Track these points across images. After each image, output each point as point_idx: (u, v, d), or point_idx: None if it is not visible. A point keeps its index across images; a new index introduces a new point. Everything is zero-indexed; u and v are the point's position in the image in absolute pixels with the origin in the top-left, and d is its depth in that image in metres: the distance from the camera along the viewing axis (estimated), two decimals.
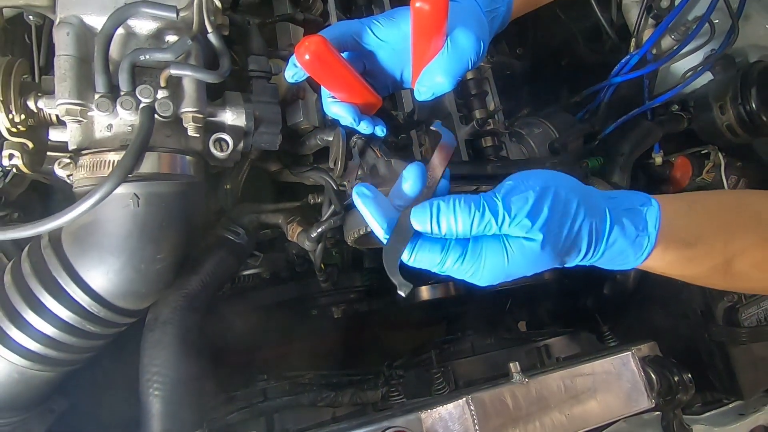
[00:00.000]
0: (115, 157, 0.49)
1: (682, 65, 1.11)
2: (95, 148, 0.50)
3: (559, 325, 1.32)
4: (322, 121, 0.78)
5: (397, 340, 1.69)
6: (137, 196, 0.49)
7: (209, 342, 1.04)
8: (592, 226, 0.47)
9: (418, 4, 0.51)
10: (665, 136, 1.10)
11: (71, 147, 0.50)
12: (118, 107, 0.49)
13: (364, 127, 0.63)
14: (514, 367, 0.78)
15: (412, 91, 0.78)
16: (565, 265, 0.50)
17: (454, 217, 0.45)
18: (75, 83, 0.48)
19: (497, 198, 0.46)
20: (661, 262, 0.50)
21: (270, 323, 1.21)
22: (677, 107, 1.11)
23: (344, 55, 0.60)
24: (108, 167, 0.49)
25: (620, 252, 0.49)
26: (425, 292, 1.14)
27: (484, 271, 0.46)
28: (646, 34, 1.10)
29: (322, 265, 0.81)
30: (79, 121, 0.49)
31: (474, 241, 0.47)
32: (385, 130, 0.66)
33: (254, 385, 0.93)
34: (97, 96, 0.48)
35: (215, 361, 1.13)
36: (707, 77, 1.09)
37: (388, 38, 0.59)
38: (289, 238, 0.79)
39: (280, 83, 0.72)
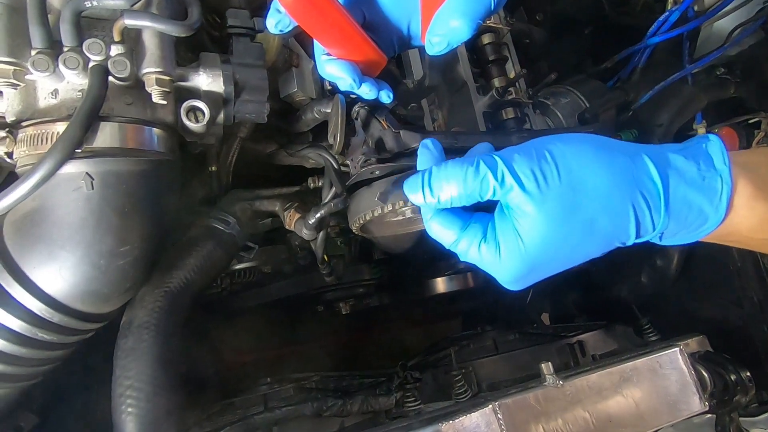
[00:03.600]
0: (61, 127, 0.40)
1: (728, 22, 0.98)
2: (39, 118, 0.41)
3: (587, 318, 1.21)
4: (319, 92, 0.69)
5: (411, 336, 1.60)
6: (90, 176, 0.40)
7: (201, 345, 0.96)
8: (635, 181, 0.38)
9: None
10: (708, 104, 0.98)
11: (9, 118, 0.41)
12: (61, 66, 0.39)
13: (367, 91, 0.53)
14: (546, 368, 0.68)
15: (421, 50, 0.68)
16: (627, 243, 0.40)
17: (446, 179, 0.39)
18: (5, 37, 0.38)
19: (496, 156, 0.39)
20: (751, 215, 0.39)
21: (273, 321, 1.13)
22: (723, 70, 0.98)
23: (340, 1, 0.49)
24: (53, 140, 0.40)
25: (689, 205, 0.38)
26: (441, 285, 1.05)
27: (503, 259, 0.39)
28: None
29: (325, 257, 0.72)
30: (15, 86, 0.40)
31: (494, 223, 0.41)
32: (391, 96, 0.56)
33: (256, 390, 0.84)
34: (33, 52, 0.39)
35: (209, 365, 1.05)
36: (758, 35, 0.96)
37: None
38: (287, 227, 0.70)
39: (270, 46, 0.62)
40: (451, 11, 0.47)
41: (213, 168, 0.62)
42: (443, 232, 0.41)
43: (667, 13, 0.93)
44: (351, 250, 0.91)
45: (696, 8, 0.96)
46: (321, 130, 0.72)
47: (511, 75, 0.87)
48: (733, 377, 0.75)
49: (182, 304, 0.57)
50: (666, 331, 0.90)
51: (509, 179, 0.37)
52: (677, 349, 0.75)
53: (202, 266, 0.60)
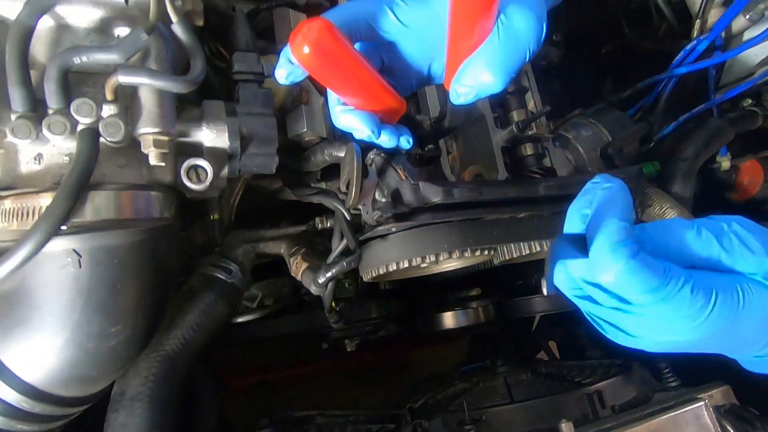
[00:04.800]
0: (45, 201, 0.35)
1: (754, 50, 0.93)
2: (20, 187, 0.36)
3: (600, 353, 1.17)
4: (330, 132, 0.64)
5: (418, 357, 1.56)
6: (78, 254, 0.36)
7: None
8: None
9: None
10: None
11: None
12: (45, 131, 0.35)
13: (386, 140, 0.48)
14: (567, 428, 0.64)
15: (439, 87, 0.63)
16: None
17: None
18: None
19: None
20: None
21: (275, 353, 1.09)
22: (750, 102, 0.94)
23: (356, 46, 0.45)
24: (36, 215, 0.35)
25: None
26: (451, 319, 1.00)
27: (710, 316, 0.35)
28: (712, 15, 0.92)
29: (333, 304, 0.67)
30: None
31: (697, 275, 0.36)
32: (411, 141, 0.51)
33: None
34: (13, 117, 0.34)
35: (208, 389, 0.99)
36: None
37: (415, 23, 0.44)
38: (293, 275, 0.65)
39: (278, 88, 0.57)
40: (482, 63, 0.43)
41: (215, 216, 0.58)
42: (642, 279, 0.34)
43: (694, 42, 0.88)
44: (358, 287, 0.86)
45: (723, 35, 0.92)
46: (330, 167, 0.67)
47: (530, 104, 0.82)
48: None
49: (180, 368, 0.53)
50: (686, 376, 0.86)
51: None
52: (702, 403, 0.71)
53: (202, 323, 0.56)
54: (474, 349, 1.55)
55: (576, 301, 0.39)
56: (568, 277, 0.38)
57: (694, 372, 0.84)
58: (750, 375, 0.88)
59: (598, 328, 0.41)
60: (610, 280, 0.34)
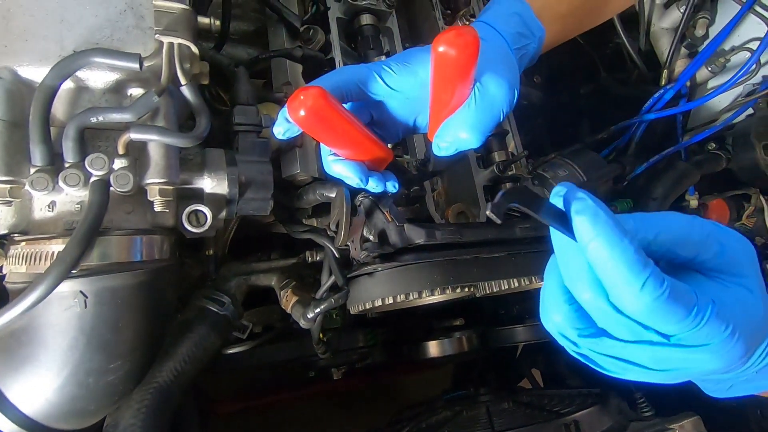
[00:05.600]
0: (57, 247, 0.38)
1: (718, 98, 1.01)
2: (33, 233, 0.39)
3: (579, 381, 1.20)
4: (322, 173, 0.68)
5: (403, 383, 1.57)
6: (84, 295, 0.39)
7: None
8: None
9: (441, 49, 0.41)
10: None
11: (1, 231, 0.40)
12: (61, 183, 0.38)
13: (374, 186, 0.53)
14: None
15: (425, 135, 0.69)
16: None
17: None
18: (3, 156, 0.37)
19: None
20: None
21: (261, 378, 1.10)
22: (714, 145, 1.01)
23: (347, 105, 0.49)
24: (48, 260, 0.38)
25: None
26: (436, 348, 1.03)
27: (737, 341, 0.32)
28: (678, 65, 1.00)
29: (321, 335, 0.70)
30: (9, 203, 0.38)
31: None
32: (397, 186, 0.56)
33: None
34: (32, 171, 0.38)
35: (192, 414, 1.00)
36: (748, 110, 0.99)
37: (401, 87, 0.49)
38: (283, 307, 0.68)
39: None
40: (460, 123, 0.47)
41: (210, 252, 0.61)
42: (675, 307, 0.30)
43: (661, 91, 0.95)
44: (345, 317, 0.89)
45: (688, 84, 0.99)
46: (321, 203, 0.71)
47: (511, 146, 0.87)
48: None
49: (172, 399, 0.55)
50: (660, 405, 0.90)
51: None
52: None
53: (194, 355, 0.58)
54: (459, 374, 1.57)
55: (581, 341, 0.35)
56: (571, 316, 0.34)
57: (667, 401, 0.88)
58: (719, 404, 0.92)
59: (593, 366, 0.38)
60: (636, 310, 0.30)
